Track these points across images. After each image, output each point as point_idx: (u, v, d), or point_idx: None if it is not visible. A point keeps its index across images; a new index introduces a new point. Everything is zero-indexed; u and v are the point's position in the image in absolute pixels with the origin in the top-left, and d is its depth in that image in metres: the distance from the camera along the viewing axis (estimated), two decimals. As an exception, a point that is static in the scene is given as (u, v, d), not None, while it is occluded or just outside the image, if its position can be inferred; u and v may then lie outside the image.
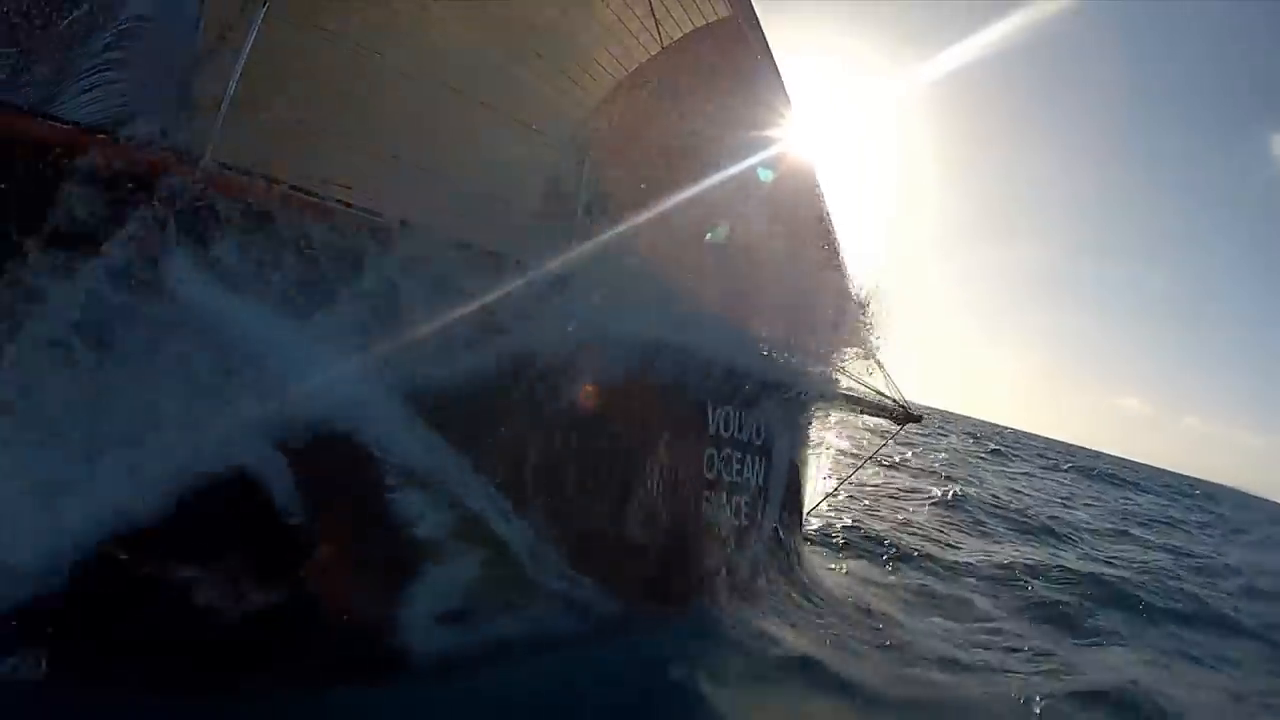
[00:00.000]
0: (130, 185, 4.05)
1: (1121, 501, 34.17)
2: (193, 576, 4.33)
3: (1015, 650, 8.81)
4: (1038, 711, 7.08)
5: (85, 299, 4.02)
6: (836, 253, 8.49)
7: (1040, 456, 53.56)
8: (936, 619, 9.28)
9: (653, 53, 8.32)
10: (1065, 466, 48.18)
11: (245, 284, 4.41)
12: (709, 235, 6.91)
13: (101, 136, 4.10)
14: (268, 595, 4.55)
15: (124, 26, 5.45)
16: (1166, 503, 43.02)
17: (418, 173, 7.28)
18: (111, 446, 4.15)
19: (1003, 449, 49.76)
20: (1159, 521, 28.88)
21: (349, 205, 5.19)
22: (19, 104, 4.27)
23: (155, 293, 4.17)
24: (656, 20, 8.05)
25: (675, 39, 8.29)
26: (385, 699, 4.91)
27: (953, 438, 44.74)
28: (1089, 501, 30.41)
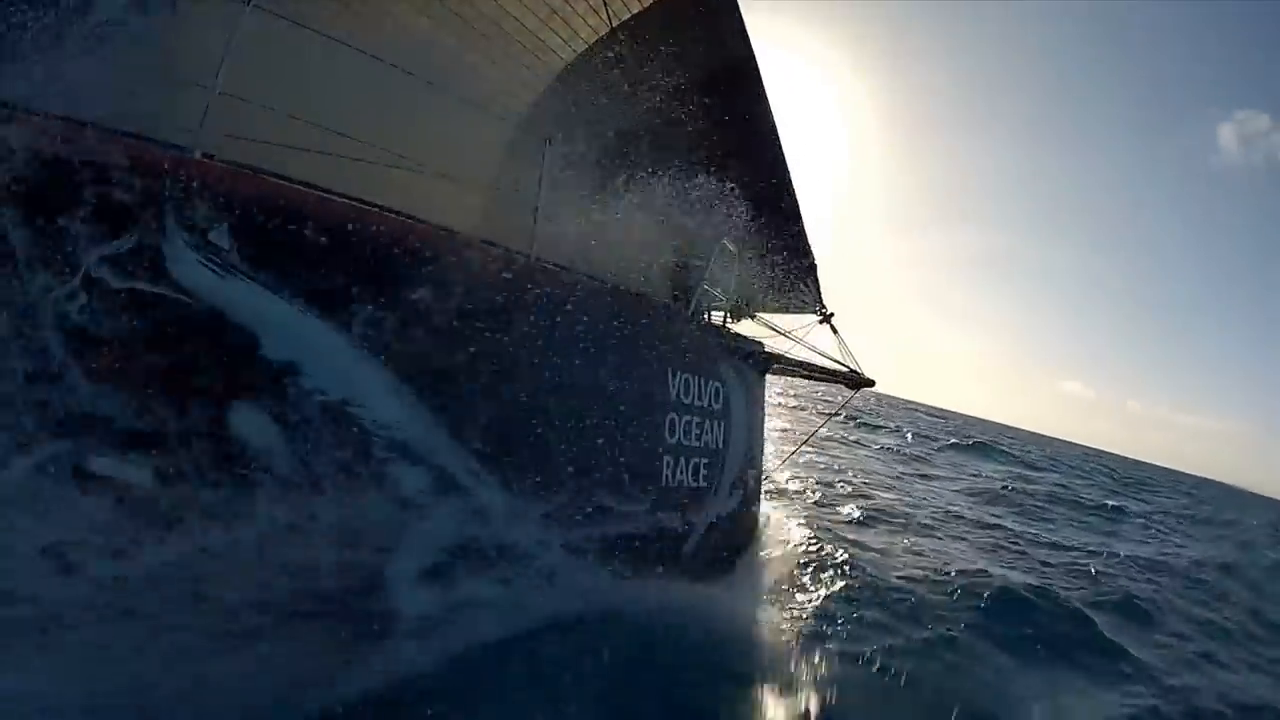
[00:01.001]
0: (132, 179, 4.16)
1: (968, 480, 26.98)
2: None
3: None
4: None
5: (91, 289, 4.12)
6: (798, 217, 8.69)
7: (924, 434, 45.59)
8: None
9: (601, 33, 8.46)
10: (943, 444, 40.24)
11: (241, 271, 4.51)
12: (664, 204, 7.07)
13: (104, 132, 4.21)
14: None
15: (96, 30, 5.47)
16: (1060, 480, 36.02)
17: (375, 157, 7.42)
18: None
19: (878, 424, 43.70)
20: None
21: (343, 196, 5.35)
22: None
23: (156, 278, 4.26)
24: (601, 7, 8.18)
25: (624, 18, 8.42)
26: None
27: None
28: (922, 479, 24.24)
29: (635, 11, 8.38)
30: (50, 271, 4.06)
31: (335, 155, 7.68)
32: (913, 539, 12.92)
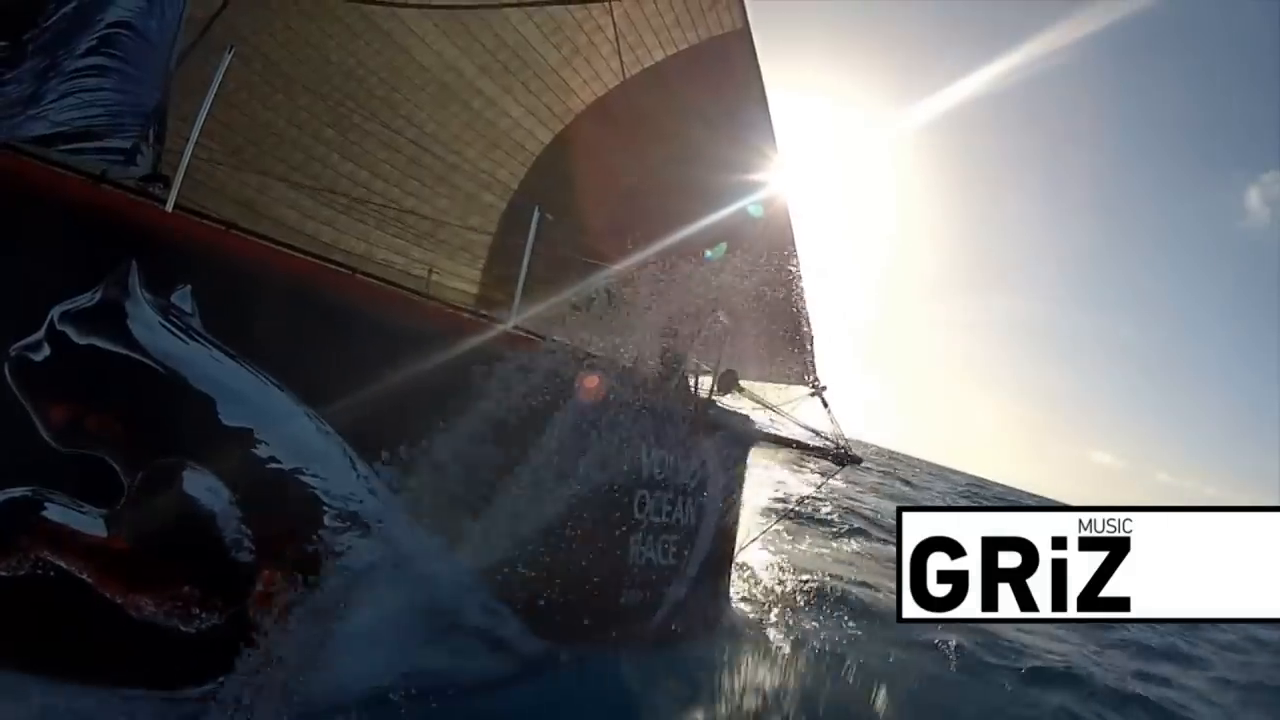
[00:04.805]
0: (99, 230, 4.33)
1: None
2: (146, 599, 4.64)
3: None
4: None
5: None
6: (800, 288, 8.62)
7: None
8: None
9: (623, 79, 8.36)
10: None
11: (205, 333, 4.64)
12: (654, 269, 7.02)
13: (75, 178, 4.42)
14: (213, 620, 4.83)
15: (105, 32, 5.52)
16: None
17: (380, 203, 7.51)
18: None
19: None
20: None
21: (318, 257, 5.42)
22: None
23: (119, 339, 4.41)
24: (618, 49, 8.08)
25: (638, 70, 8.32)
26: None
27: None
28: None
29: (646, 65, 8.29)
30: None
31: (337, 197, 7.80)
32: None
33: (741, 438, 8.29)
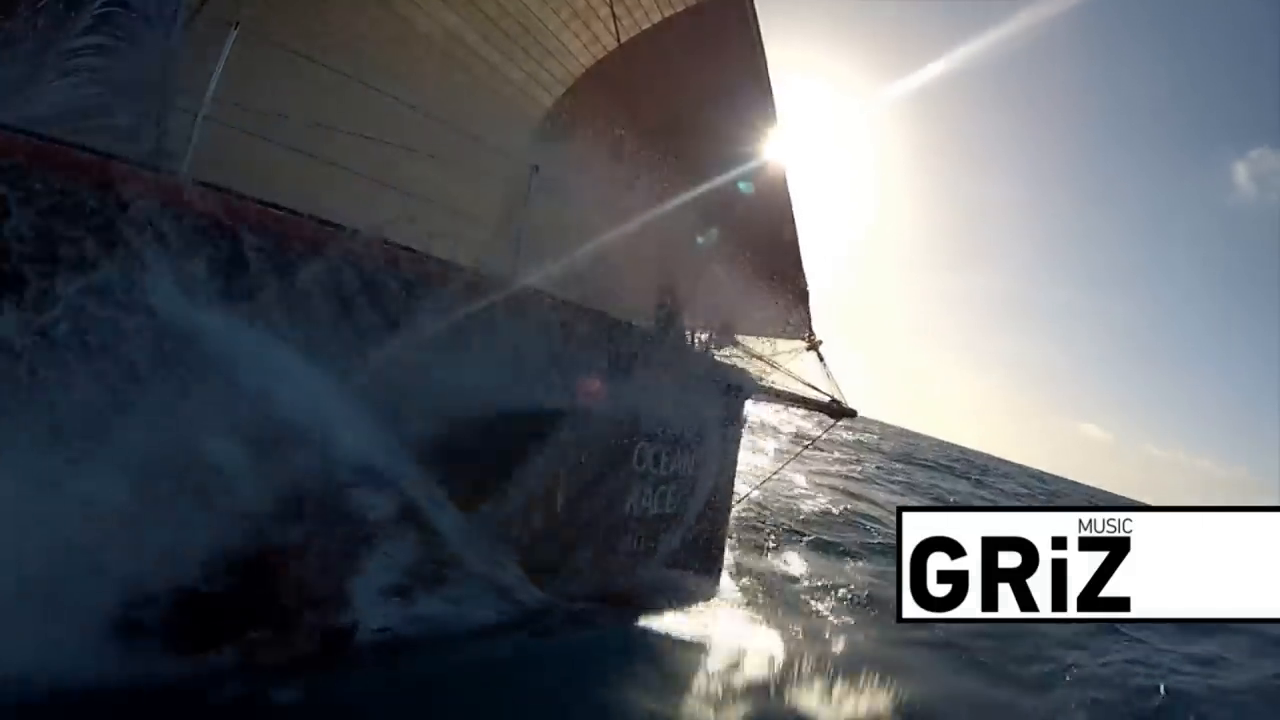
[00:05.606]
0: (110, 200, 4.30)
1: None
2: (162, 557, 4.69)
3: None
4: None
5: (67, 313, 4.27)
6: (796, 244, 8.60)
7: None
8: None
9: (622, 41, 8.27)
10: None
11: (220, 299, 4.67)
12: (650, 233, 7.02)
13: (82, 153, 4.32)
14: (233, 576, 4.91)
15: (103, 10, 5.47)
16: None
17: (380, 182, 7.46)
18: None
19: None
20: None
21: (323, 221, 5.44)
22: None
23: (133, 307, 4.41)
24: (615, 14, 7.97)
25: (634, 35, 8.23)
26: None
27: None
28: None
29: (645, 28, 8.19)
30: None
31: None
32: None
33: (738, 390, 8.44)
